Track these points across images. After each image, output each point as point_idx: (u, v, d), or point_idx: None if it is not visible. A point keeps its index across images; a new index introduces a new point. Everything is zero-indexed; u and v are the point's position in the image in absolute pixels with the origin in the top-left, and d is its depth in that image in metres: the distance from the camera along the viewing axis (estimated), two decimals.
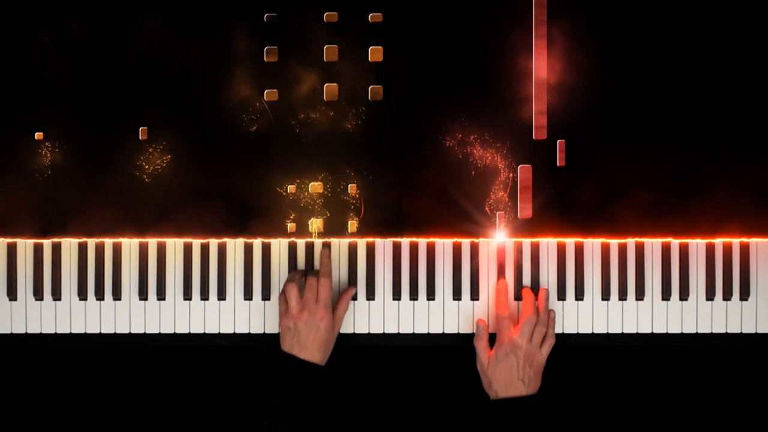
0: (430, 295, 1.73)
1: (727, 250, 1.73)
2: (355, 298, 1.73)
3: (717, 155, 1.71)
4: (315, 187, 1.72)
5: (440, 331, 1.74)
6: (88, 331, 1.73)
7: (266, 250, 1.74)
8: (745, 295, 1.72)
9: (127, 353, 1.80)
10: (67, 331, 1.73)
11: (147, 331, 1.74)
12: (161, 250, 1.73)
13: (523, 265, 1.74)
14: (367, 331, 1.74)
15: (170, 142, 1.72)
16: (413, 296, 1.74)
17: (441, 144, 1.72)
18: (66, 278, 1.73)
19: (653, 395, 1.81)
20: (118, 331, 1.73)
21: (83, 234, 1.72)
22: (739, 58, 1.71)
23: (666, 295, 1.73)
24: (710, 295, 1.73)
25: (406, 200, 1.72)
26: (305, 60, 1.71)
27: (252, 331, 1.74)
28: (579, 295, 1.74)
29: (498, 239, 1.73)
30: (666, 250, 1.73)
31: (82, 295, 1.73)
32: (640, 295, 1.73)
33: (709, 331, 1.73)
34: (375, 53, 1.72)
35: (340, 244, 1.74)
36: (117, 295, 1.73)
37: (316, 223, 1.73)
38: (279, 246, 1.74)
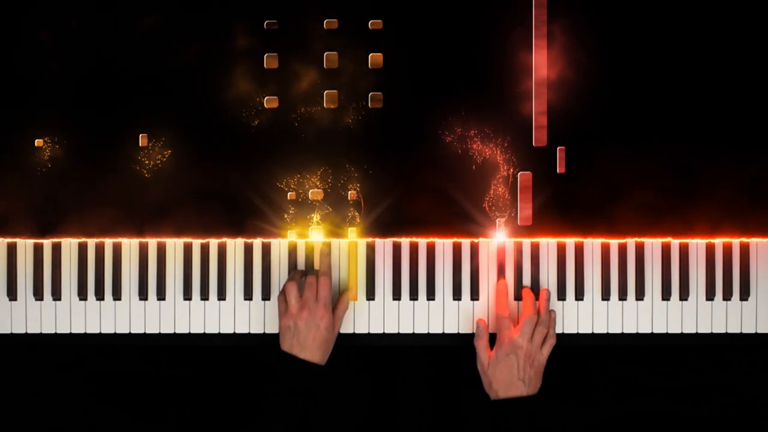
0: (430, 295, 1.73)
1: (727, 250, 1.73)
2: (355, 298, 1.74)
3: (717, 155, 1.71)
4: (315, 193, 1.72)
5: (440, 331, 1.74)
6: (88, 331, 1.73)
7: (266, 250, 1.74)
8: (745, 295, 1.72)
9: (127, 353, 1.81)
10: (67, 331, 1.73)
11: (147, 331, 1.74)
12: (161, 250, 1.73)
13: (523, 265, 1.74)
14: (367, 331, 1.74)
15: (170, 143, 1.71)
16: (413, 296, 1.74)
17: (441, 144, 1.71)
18: (66, 278, 1.73)
19: (653, 395, 1.81)
20: (118, 331, 1.73)
21: (83, 234, 1.72)
22: (739, 58, 1.71)
23: (666, 295, 1.73)
24: (710, 295, 1.73)
25: (406, 200, 1.72)
26: (305, 67, 1.71)
27: (252, 331, 1.74)
28: (579, 295, 1.74)
29: (498, 239, 1.73)
30: (666, 250, 1.73)
31: (82, 295, 1.73)
32: (640, 295, 1.73)
33: (709, 331, 1.73)
34: (375, 60, 1.72)
35: (340, 244, 1.74)
36: (117, 295, 1.73)
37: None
38: (279, 246, 1.74)
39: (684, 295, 1.73)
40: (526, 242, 1.74)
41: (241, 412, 1.81)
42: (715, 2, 1.71)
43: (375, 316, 1.74)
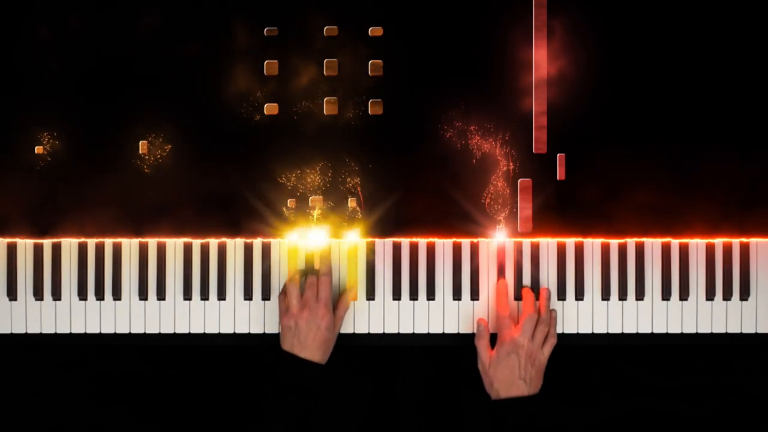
0: (430, 295, 1.73)
1: (727, 250, 1.73)
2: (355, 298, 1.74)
3: (717, 155, 1.71)
4: (315, 200, 1.72)
5: (440, 331, 1.74)
6: (88, 331, 1.73)
7: (266, 250, 1.74)
8: (745, 295, 1.72)
9: (127, 353, 1.80)
10: (67, 331, 1.73)
11: (147, 331, 1.73)
12: (161, 250, 1.73)
13: (523, 265, 1.74)
14: (367, 331, 1.74)
15: (170, 142, 1.71)
16: (413, 296, 1.74)
17: (441, 144, 1.71)
18: (66, 278, 1.73)
19: (653, 395, 1.81)
20: (118, 331, 1.73)
21: (83, 234, 1.72)
22: (739, 58, 1.71)
23: (666, 295, 1.73)
24: (710, 295, 1.73)
25: (406, 200, 1.72)
26: (305, 74, 1.71)
27: (252, 331, 1.74)
28: (579, 295, 1.74)
29: (498, 239, 1.73)
30: (666, 250, 1.73)
31: (82, 295, 1.73)
32: (640, 295, 1.73)
33: (709, 331, 1.73)
34: (375, 67, 1.72)
35: (340, 245, 1.74)
36: (117, 295, 1.73)
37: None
38: (279, 246, 1.74)
39: (684, 295, 1.73)
40: (526, 242, 1.74)
41: (241, 412, 1.81)
42: (715, 2, 1.71)
43: (375, 316, 1.74)
